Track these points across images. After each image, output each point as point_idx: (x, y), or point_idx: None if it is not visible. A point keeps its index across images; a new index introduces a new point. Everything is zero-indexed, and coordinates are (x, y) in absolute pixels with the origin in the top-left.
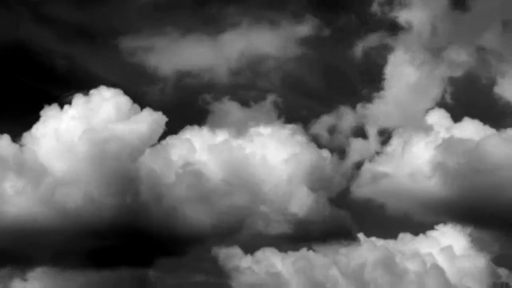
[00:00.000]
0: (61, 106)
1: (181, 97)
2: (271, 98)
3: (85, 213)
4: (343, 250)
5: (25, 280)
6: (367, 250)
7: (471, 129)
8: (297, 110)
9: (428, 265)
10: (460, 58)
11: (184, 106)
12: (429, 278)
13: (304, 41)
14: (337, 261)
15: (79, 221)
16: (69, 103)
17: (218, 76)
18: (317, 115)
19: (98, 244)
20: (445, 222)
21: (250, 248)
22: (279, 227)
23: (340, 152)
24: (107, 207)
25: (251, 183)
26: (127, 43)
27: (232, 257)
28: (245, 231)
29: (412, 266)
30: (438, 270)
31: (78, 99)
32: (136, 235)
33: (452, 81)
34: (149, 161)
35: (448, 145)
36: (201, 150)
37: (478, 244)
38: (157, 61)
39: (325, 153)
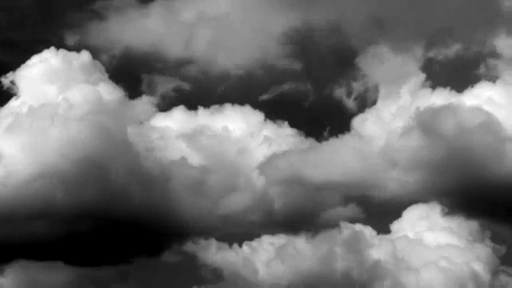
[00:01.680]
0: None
1: (128, 72)
2: (233, 76)
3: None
4: (324, 235)
5: (1, 275)
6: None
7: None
8: (261, 88)
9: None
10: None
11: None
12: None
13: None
14: (319, 248)
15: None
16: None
17: (170, 48)
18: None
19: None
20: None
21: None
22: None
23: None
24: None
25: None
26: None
27: (209, 250)
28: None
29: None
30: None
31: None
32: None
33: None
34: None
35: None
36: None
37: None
38: (106, 32)
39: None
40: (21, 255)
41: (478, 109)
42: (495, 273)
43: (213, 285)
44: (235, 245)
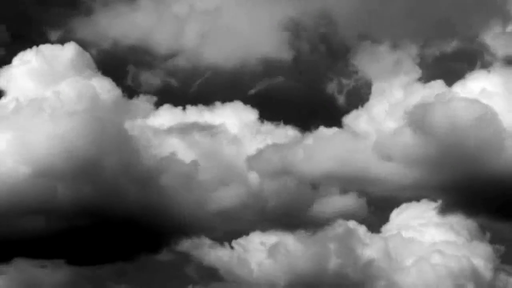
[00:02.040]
0: None
1: (115, 67)
2: (224, 69)
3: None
4: (317, 232)
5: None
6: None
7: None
8: (251, 82)
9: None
10: None
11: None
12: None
13: None
14: (313, 246)
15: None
16: None
17: (160, 42)
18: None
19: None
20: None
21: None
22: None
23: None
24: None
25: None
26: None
27: (204, 249)
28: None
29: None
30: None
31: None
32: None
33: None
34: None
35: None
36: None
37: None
38: (94, 26)
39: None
40: (17, 253)
41: (473, 102)
42: (494, 271)
43: (209, 285)
44: (230, 243)
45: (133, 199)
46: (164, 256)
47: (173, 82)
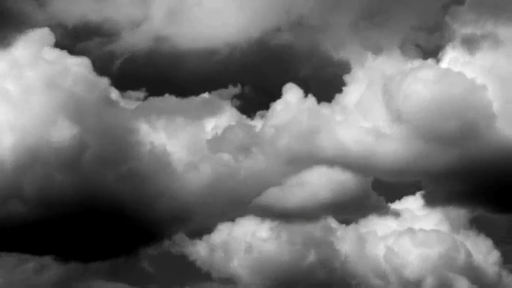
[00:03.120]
0: None
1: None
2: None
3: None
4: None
5: None
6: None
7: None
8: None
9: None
10: None
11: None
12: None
13: None
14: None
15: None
16: None
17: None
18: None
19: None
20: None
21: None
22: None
23: None
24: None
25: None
26: None
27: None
28: None
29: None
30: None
31: None
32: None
33: None
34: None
35: None
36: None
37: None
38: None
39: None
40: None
41: (458, 77)
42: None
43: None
44: (207, 234)
45: (115, 188)
46: (152, 251)
47: (133, 65)
